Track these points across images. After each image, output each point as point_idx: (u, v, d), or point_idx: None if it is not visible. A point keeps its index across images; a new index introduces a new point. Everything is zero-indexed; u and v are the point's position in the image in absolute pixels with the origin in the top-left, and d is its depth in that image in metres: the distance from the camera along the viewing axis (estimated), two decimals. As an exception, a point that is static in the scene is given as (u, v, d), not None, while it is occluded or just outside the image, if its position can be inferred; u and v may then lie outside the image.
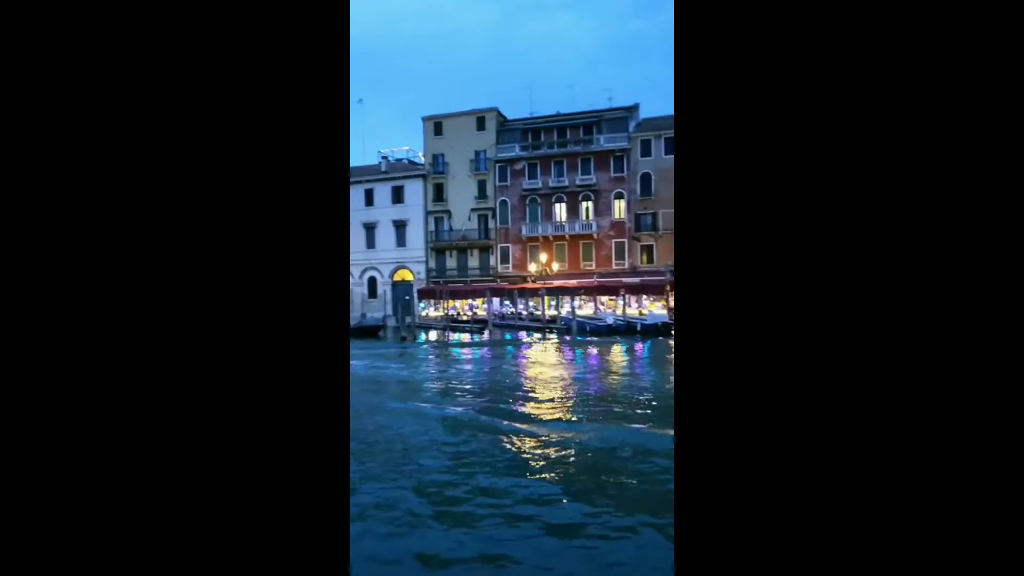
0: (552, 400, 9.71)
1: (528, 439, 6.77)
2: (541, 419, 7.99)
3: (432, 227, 34.62)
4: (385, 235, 34.68)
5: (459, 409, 8.83)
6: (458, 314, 31.07)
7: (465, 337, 25.18)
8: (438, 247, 34.50)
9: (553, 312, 28.33)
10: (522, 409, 8.79)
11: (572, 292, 28.17)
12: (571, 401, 9.55)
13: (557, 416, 8.25)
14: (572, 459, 5.98)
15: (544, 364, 15.86)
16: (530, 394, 10.49)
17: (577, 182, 32.06)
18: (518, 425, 7.51)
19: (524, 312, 29.59)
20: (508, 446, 6.47)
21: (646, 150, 31.08)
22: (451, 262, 34.41)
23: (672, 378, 12.02)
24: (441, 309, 31.27)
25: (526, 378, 12.93)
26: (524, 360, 17.22)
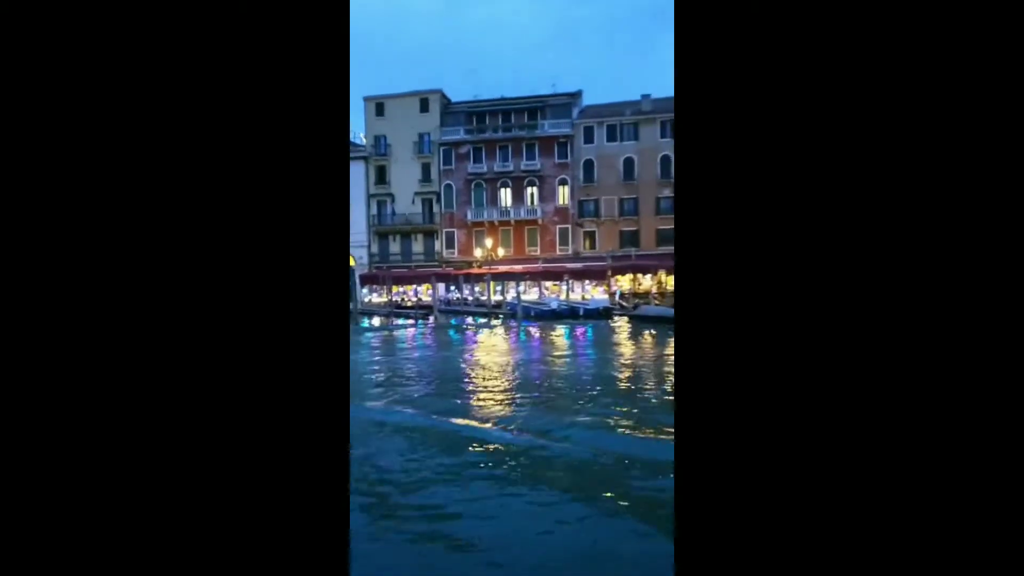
0: (495, 390, 9.77)
1: (475, 445, 6.09)
2: (483, 416, 7.61)
3: (375, 211, 33.76)
4: (325, 219, 33.38)
5: (407, 410, 8.10)
6: (402, 300, 30.63)
7: (410, 323, 24.91)
8: (381, 231, 33.73)
9: (499, 297, 28.49)
10: (467, 403, 8.57)
11: (517, 277, 28.44)
12: (515, 391, 9.47)
13: (499, 411, 8.03)
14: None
15: (490, 349, 16.00)
16: (474, 383, 10.50)
17: (522, 167, 32.18)
18: (463, 422, 7.04)
19: (470, 297, 29.57)
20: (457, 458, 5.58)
21: (589, 137, 31.59)
22: (394, 247, 33.78)
23: (614, 360, 12.49)
24: (385, 295, 30.71)
25: (471, 365, 13.01)
26: (471, 345, 17.30)
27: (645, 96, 31.54)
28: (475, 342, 17.77)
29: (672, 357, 13.49)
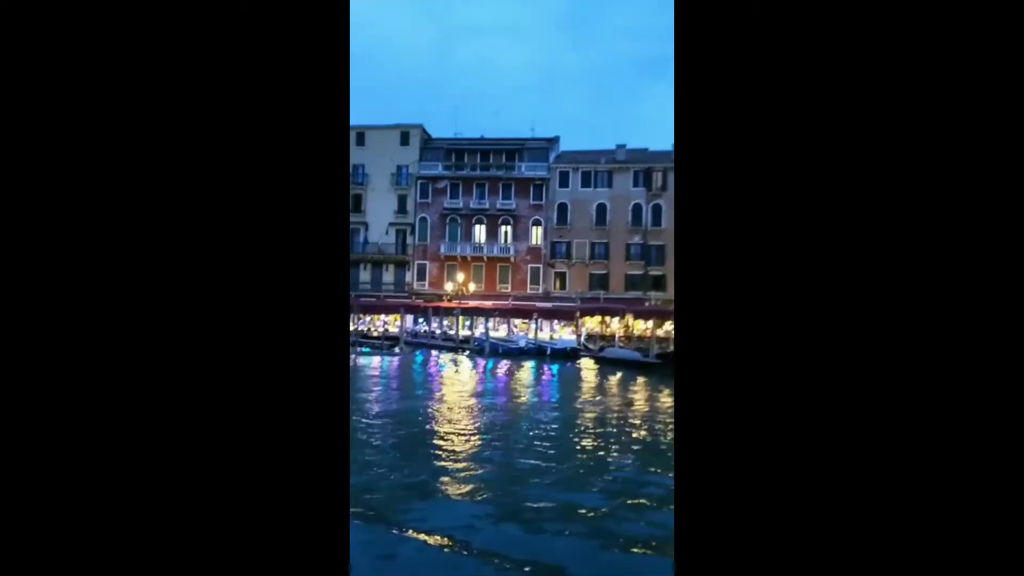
0: (455, 444, 9.26)
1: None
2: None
3: (347, 238, 33.47)
4: (295, 243, 32.86)
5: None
6: (368, 329, 30.17)
7: (375, 357, 24.49)
8: (352, 259, 33.41)
9: (467, 332, 28.38)
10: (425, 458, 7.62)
11: (487, 313, 28.44)
12: (474, 442, 8.79)
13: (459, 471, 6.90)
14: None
15: (455, 388, 15.85)
16: (435, 429, 10.16)
17: (498, 206, 32.69)
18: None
19: (438, 331, 29.38)
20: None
21: (564, 181, 32.45)
22: (365, 275, 33.46)
23: (577, 402, 12.36)
24: (351, 323, 30.17)
25: (434, 406, 12.82)
26: (434, 380, 17.12)
27: (620, 146, 32.82)
28: (439, 378, 17.58)
29: (640, 402, 12.97)
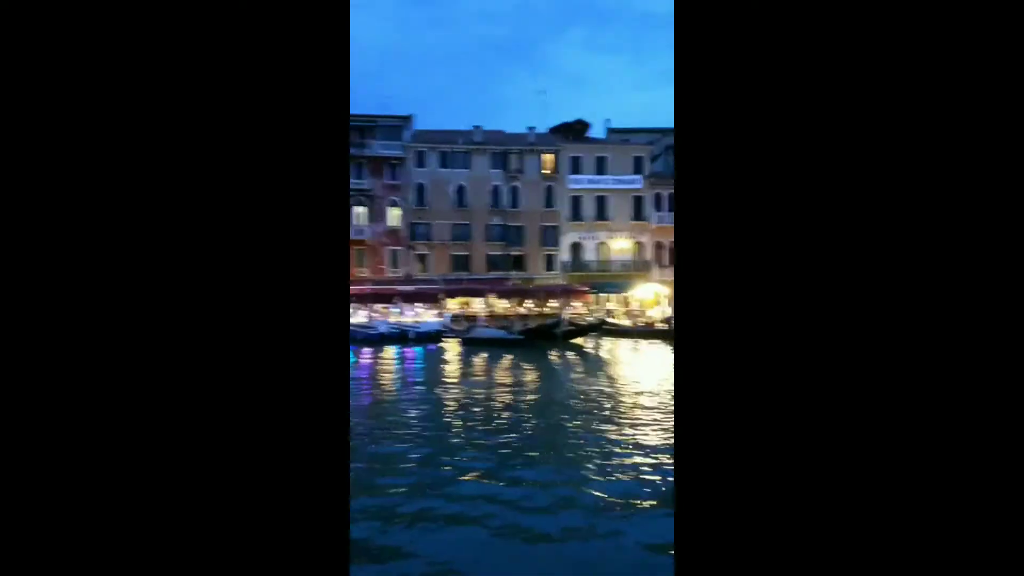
0: None
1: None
2: None
3: (171, 222, 29.14)
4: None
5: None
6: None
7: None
8: (179, 246, 29.17)
9: (322, 322, 26.49)
10: None
11: (344, 300, 26.82)
12: None
13: None
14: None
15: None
16: None
17: (351, 186, 30.81)
18: None
19: (289, 322, 27.00)
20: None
21: (421, 161, 31.68)
22: (197, 265, 29.46)
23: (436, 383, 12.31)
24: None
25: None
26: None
27: (476, 127, 32.82)
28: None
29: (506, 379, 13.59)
